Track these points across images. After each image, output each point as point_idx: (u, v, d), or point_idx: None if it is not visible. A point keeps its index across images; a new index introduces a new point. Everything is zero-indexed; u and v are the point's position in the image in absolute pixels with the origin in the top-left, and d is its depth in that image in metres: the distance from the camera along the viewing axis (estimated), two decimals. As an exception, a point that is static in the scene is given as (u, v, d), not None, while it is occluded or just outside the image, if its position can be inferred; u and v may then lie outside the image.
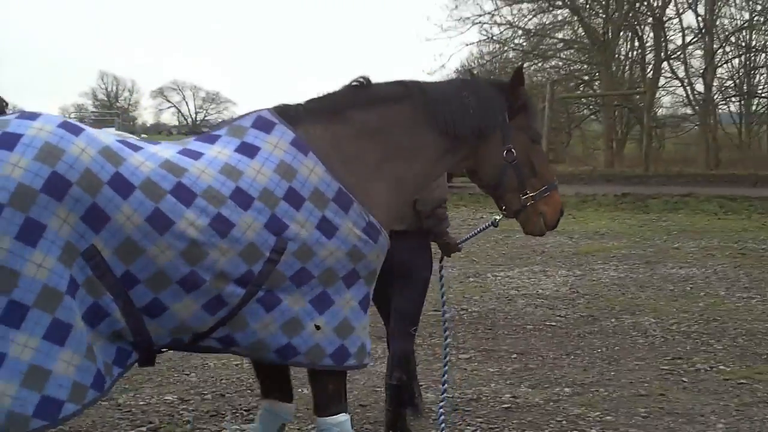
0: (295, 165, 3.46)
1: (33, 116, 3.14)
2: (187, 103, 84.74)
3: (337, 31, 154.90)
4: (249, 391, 6.07)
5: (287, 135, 3.52)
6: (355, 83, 3.79)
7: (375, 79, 3.81)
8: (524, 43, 37.96)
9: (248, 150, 3.46)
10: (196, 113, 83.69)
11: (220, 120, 31.03)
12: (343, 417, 3.69)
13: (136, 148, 3.27)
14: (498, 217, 4.57)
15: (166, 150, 3.36)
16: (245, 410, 5.65)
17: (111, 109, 72.04)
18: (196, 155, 3.38)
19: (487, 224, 4.88)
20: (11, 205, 2.91)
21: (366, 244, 3.55)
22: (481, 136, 3.88)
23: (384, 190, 3.69)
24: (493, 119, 3.89)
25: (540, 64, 38.15)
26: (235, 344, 3.47)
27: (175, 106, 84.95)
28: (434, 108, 3.78)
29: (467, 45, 49.06)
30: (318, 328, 3.48)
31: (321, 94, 3.81)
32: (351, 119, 3.67)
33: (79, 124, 3.21)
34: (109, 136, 3.27)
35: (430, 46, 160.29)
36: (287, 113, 3.61)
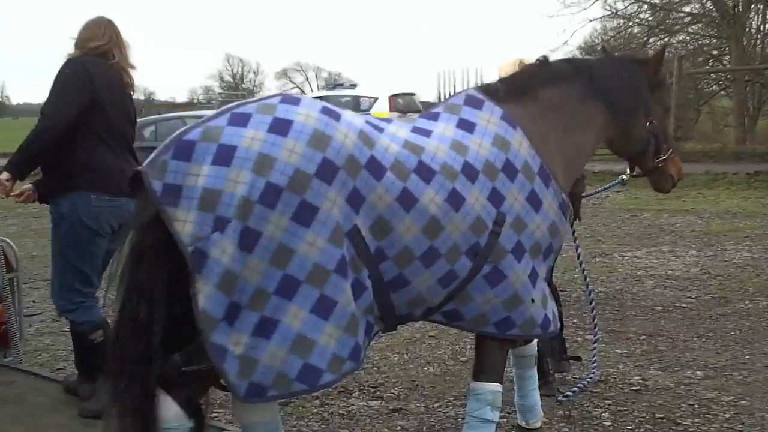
0: (508, 137, 3.72)
1: (295, 101, 3.35)
2: (310, 83, 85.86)
3: (457, 11, 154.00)
4: (375, 369, 6.15)
5: (496, 111, 3.80)
6: (537, 62, 4.15)
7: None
8: (650, 18, 36.83)
9: (467, 125, 3.73)
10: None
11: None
12: (499, 387, 3.96)
13: (380, 130, 3.51)
14: (625, 177, 4.87)
15: (401, 129, 3.62)
16: (372, 387, 5.73)
17: (237, 90, 73.68)
18: (426, 133, 3.64)
19: (615, 182, 5.06)
20: (289, 188, 3.12)
21: (560, 220, 3.85)
22: (635, 110, 4.27)
23: (564, 166, 3.97)
24: (645, 94, 4.28)
25: (666, 39, 37.01)
26: (459, 318, 3.76)
27: (298, 86, 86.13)
28: (602, 84, 4.13)
29: (590, 21, 48.19)
30: (533, 301, 3.76)
31: (511, 74, 4.18)
32: (538, 97, 3.97)
33: (335, 108, 3.42)
34: (358, 117, 3.50)
35: (552, 23, 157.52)
36: (490, 91, 3.88)
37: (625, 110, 4.23)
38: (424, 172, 3.43)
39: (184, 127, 3.24)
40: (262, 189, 3.08)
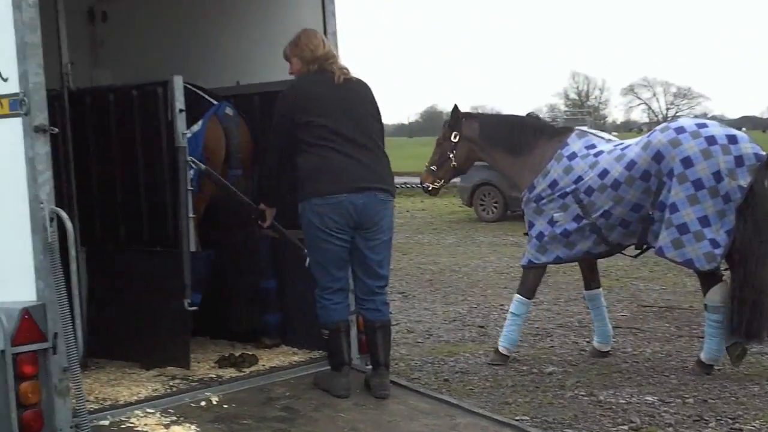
0: None
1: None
2: (657, 99, 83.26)
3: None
4: (733, 399, 5.81)
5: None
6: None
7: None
8: None
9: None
10: (667, 109, 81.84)
11: (692, 116, 30.07)
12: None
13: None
14: None
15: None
16: (730, 418, 5.42)
17: (582, 108, 73.11)
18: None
19: None
20: None
21: None
22: None
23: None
24: None
25: None
26: None
27: (645, 102, 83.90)
28: None
29: None
30: None
31: None
32: None
33: None
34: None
35: None
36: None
37: None
38: None
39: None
40: None
